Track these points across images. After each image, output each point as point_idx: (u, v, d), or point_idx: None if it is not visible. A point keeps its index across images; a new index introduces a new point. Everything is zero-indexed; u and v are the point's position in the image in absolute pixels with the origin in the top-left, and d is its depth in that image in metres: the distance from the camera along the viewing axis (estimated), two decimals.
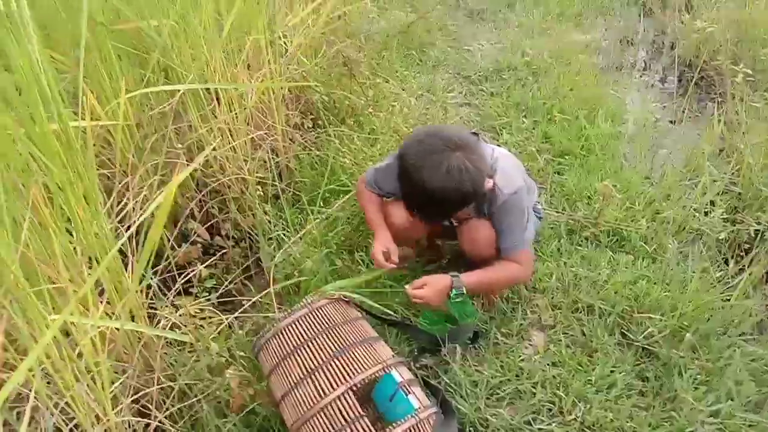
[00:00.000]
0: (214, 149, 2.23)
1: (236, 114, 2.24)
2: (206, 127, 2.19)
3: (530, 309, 1.93)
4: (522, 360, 1.77)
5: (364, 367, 1.41)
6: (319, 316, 1.51)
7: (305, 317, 1.50)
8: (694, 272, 1.95)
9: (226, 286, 1.89)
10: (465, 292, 1.72)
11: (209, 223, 2.24)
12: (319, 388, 1.39)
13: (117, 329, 1.50)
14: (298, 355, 1.44)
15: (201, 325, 1.39)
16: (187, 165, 2.18)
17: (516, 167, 1.82)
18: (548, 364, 1.75)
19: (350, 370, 1.40)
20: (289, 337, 1.48)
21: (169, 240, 1.96)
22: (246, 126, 2.31)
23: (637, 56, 3.83)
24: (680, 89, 3.45)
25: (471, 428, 1.60)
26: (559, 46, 3.55)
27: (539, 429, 1.58)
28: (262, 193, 2.22)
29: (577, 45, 3.62)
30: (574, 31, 3.88)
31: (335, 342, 1.46)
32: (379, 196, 1.93)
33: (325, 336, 1.47)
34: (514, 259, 1.76)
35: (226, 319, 1.58)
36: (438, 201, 1.57)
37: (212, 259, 2.05)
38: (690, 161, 2.59)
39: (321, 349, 1.44)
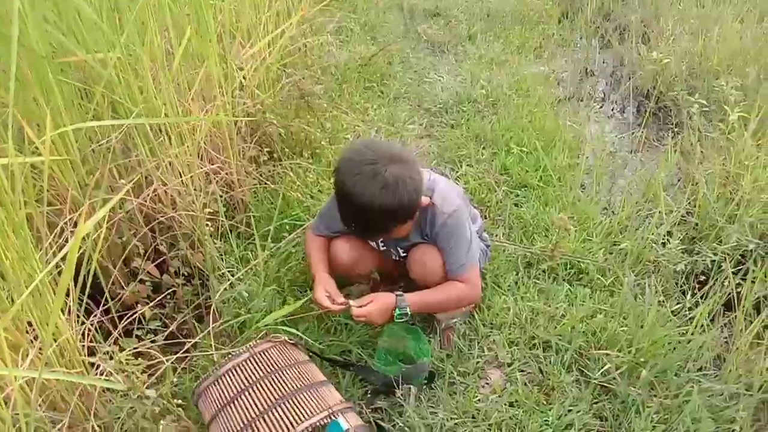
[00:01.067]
0: (163, 183, 2.16)
1: (187, 147, 2.18)
2: (155, 161, 2.13)
3: (487, 346, 1.88)
4: (478, 400, 1.71)
5: (309, 414, 1.34)
6: (262, 361, 1.44)
7: (247, 362, 1.43)
8: (650, 306, 1.92)
9: (173, 327, 1.80)
10: (409, 311, 1.70)
11: (159, 260, 2.17)
12: None
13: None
14: (239, 403, 1.37)
15: (135, 372, 1.30)
16: (134, 201, 2.11)
17: (453, 189, 1.83)
18: (505, 404, 1.70)
19: (294, 416, 1.33)
20: (229, 384, 1.40)
21: (114, 279, 1.88)
22: (198, 160, 2.25)
23: (596, 87, 3.88)
24: (638, 119, 3.50)
25: None
26: (518, 78, 3.59)
27: None
28: (213, 229, 2.15)
29: (536, 76, 3.66)
30: (534, 63, 3.93)
31: (279, 388, 1.38)
32: (327, 238, 1.90)
33: (267, 381, 1.39)
34: (461, 279, 1.76)
35: (168, 361, 1.50)
36: (374, 213, 1.55)
37: (160, 297, 1.97)
38: (647, 191, 2.60)
39: (263, 396, 1.37)
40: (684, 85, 3.57)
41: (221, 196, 2.28)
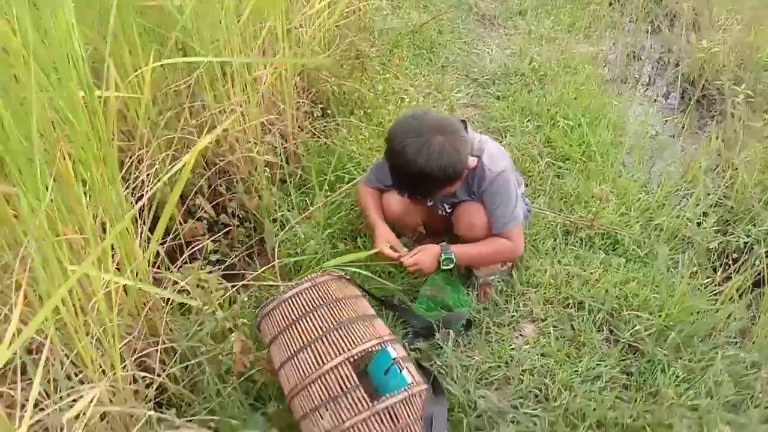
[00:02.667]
0: (225, 130, 2.29)
1: (249, 97, 2.30)
2: (219, 107, 2.26)
3: (523, 302, 1.99)
4: (512, 349, 1.83)
5: (362, 341, 1.48)
6: (321, 291, 1.57)
7: (308, 291, 1.56)
8: (682, 278, 2.01)
9: (234, 258, 1.94)
10: (454, 257, 1.84)
11: (216, 202, 2.31)
12: (318, 357, 1.45)
13: (126, 293, 1.56)
14: (299, 326, 1.51)
15: (210, 288, 1.44)
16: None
17: (502, 152, 1.93)
18: (537, 354, 1.81)
19: (349, 342, 1.47)
20: (291, 309, 1.54)
21: (172, 216, 2.02)
22: (257, 109, 2.38)
23: (642, 71, 3.90)
24: (682, 105, 3.53)
25: (459, 409, 1.66)
26: (567, 55, 3.63)
27: (525, 413, 1.64)
28: (269, 175, 2.28)
29: (584, 56, 3.69)
30: (583, 43, 3.96)
31: (336, 316, 1.52)
32: (379, 190, 2.02)
33: (326, 309, 1.53)
34: (504, 236, 1.87)
35: (232, 287, 1.64)
36: (421, 180, 1.68)
37: (217, 235, 2.11)
38: (686, 173, 2.66)
39: (321, 322, 1.50)
40: (731, 75, 3.58)
41: (276, 148, 2.41)
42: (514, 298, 2.00)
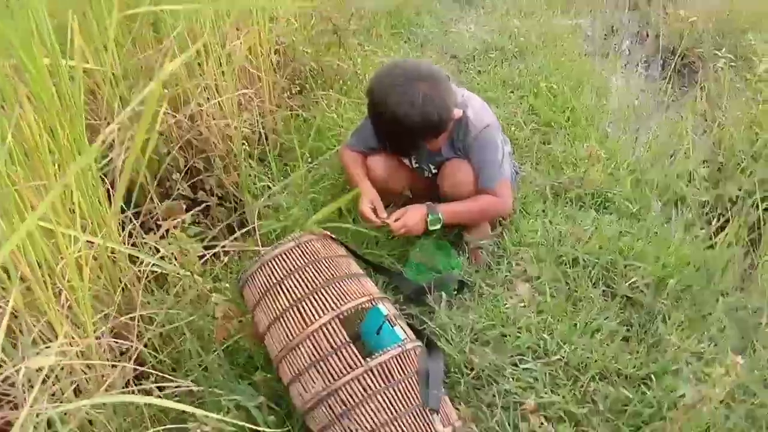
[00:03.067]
0: (199, 105, 2.21)
1: (223, 71, 2.23)
2: (194, 82, 2.18)
3: (515, 262, 1.93)
4: (507, 307, 1.76)
5: (351, 298, 1.40)
6: (307, 250, 1.50)
7: (292, 250, 1.49)
8: (677, 229, 1.96)
9: (215, 231, 1.86)
10: (441, 216, 1.78)
11: (192, 182, 2.23)
12: (305, 316, 1.37)
13: (99, 263, 1.48)
14: (284, 286, 1.43)
15: (189, 250, 1.36)
16: (174, 117, 2.17)
17: (486, 108, 1.88)
18: (533, 312, 1.75)
19: (337, 300, 1.39)
20: (274, 270, 1.46)
21: (148, 193, 1.93)
22: (233, 83, 2.30)
23: (622, 44, 3.89)
24: (663, 74, 3.50)
25: (456, 370, 1.59)
26: (546, 29, 3.60)
27: (524, 369, 1.57)
28: (248, 149, 2.20)
29: (563, 29, 3.67)
30: (560, 17, 3.93)
31: (322, 274, 1.44)
32: (361, 153, 1.95)
33: (312, 268, 1.45)
34: (491, 192, 1.81)
35: (212, 254, 1.56)
36: (405, 129, 1.63)
37: (195, 210, 2.02)
38: (673, 131, 2.62)
39: (308, 280, 1.43)
40: (711, 43, 3.57)
41: (253, 125, 2.33)
42: (507, 259, 1.94)
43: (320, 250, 1.51)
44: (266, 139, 2.42)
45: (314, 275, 1.43)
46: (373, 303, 1.44)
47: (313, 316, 1.37)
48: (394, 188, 1.99)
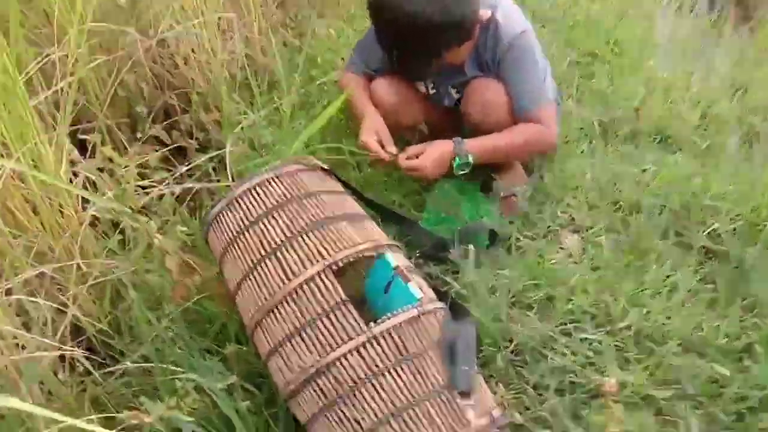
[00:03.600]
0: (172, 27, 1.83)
1: None
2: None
3: (560, 210, 1.54)
4: (553, 263, 1.39)
5: (349, 245, 1.03)
6: (290, 183, 1.12)
7: (270, 182, 1.11)
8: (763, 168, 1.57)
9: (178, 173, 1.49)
10: (470, 160, 1.38)
11: (169, 122, 1.86)
12: (287, 268, 1.01)
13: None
14: (259, 228, 1.06)
15: (125, 175, 1.00)
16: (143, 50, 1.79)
17: (519, 11, 1.46)
18: (587, 268, 1.37)
19: (331, 246, 1.02)
20: (248, 207, 1.09)
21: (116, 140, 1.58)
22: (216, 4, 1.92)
23: None
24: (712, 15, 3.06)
25: (490, 342, 1.22)
26: None
27: (581, 339, 1.20)
28: (230, 81, 1.83)
29: None
30: None
31: (310, 213, 1.07)
32: (366, 77, 1.57)
33: (296, 205, 1.08)
34: (532, 119, 1.42)
35: (165, 185, 1.19)
36: (419, 31, 1.23)
37: (165, 149, 1.66)
38: (737, 65, 2.21)
39: (291, 221, 1.05)
40: None
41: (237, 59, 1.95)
42: (549, 206, 1.55)
43: (309, 184, 1.13)
44: (254, 73, 2.03)
45: (299, 215, 1.06)
46: (380, 252, 1.07)
47: (298, 267, 1.00)
48: (405, 121, 1.59)
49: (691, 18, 2.92)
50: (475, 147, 1.42)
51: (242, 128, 1.53)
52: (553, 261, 1.38)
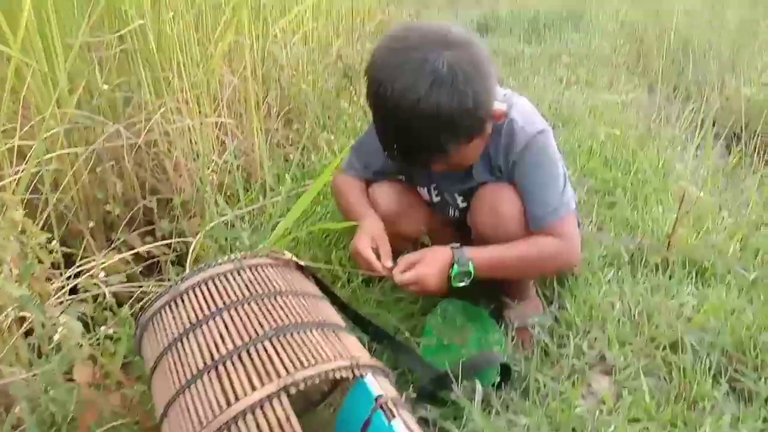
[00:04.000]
0: (167, 135, 1.72)
1: (202, 94, 1.76)
2: (160, 103, 1.71)
3: (587, 344, 1.29)
4: (580, 410, 1.10)
5: (316, 360, 0.78)
6: (252, 279, 0.90)
7: (227, 276, 0.89)
8: None
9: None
10: (471, 268, 1.16)
11: (145, 229, 1.69)
12: (228, 387, 0.75)
13: None
14: (204, 332, 0.82)
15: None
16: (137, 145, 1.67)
17: (536, 111, 1.30)
18: (622, 419, 1.08)
19: (291, 361, 0.77)
20: (194, 306, 0.86)
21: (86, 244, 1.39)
22: (213, 113, 1.82)
23: (675, 125, 3.40)
24: (726, 158, 2.98)
25: None
26: (591, 102, 3.16)
27: None
28: (217, 182, 1.67)
29: (610, 104, 3.22)
30: (606, 93, 3.51)
31: (272, 316, 0.83)
32: (364, 181, 1.41)
33: (255, 306, 0.85)
34: (550, 231, 1.21)
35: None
36: (423, 120, 1.05)
37: (139, 266, 1.45)
38: None
39: (245, 325, 0.82)
40: None
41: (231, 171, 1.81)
42: (573, 340, 1.30)
43: (276, 282, 0.91)
44: (249, 184, 1.88)
45: (256, 318, 0.83)
46: (358, 372, 0.82)
47: (243, 387, 0.74)
48: (406, 231, 1.39)
49: (712, 159, 2.83)
50: (478, 256, 1.20)
51: (212, 227, 1.33)
52: (580, 408, 1.10)
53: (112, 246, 1.63)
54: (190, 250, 1.17)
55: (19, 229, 0.78)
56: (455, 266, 1.19)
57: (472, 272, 1.19)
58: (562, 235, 1.22)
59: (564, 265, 1.30)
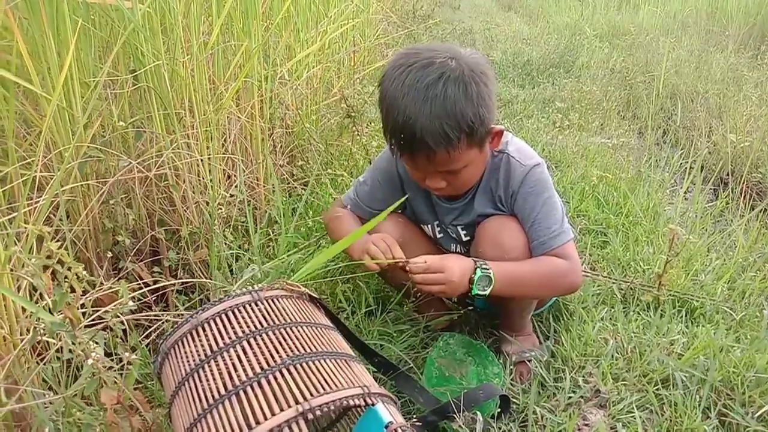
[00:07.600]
0: (175, 169, 1.78)
1: (210, 130, 1.83)
2: (171, 139, 1.77)
3: (582, 378, 1.33)
4: None
5: (330, 388, 0.83)
6: (269, 310, 0.95)
7: (245, 307, 0.94)
8: None
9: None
10: (492, 275, 1.20)
11: (152, 259, 1.74)
12: (249, 413, 0.80)
13: None
14: (225, 359, 0.87)
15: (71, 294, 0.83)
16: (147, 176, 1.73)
17: (530, 148, 1.38)
18: None
19: (307, 388, 0.82)
20: (214, 335, 0.91)
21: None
22: (221, 149, 1.89)
23: (665, 169, 3.50)
24: (714, 204, 3.07)
25: None
26: (582, 144, 3.26)
27: None
28: (224, 215, 1.73)
29: (601, 147, 3.32)
30: (597, 136, 3.62)
31: (288, 345, 0.88)
32: (359, 218, 1.48)
33: (271, 337, 0.90)
34: (556, 254, 1.27)
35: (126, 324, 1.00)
36: (430, 107, 1.12)
37: (142, 293, 1.50)
38: (755, 240, 2.11)
39: (261, 354, 0.87)
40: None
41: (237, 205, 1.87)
42: (568, 374, 1.35)
43: (291, 312, 0.96)
44: (255, 222, 1.94)
45: (273, 347, 0.88)
46: (370, 400, 0.86)
47: (264, 412, 0.79)
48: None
49: (700, 202, 2.92)
50: (497, 267, 1.24)
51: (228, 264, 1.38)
52: None
53: (120, 275, 1.68)
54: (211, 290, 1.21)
55: (56, 259, 0.83)
56: (478, 270, 1.21)
57: (493, 279, 1.22)
58: (567, 257, 1.28)
59: (571, 285, 1.34)
